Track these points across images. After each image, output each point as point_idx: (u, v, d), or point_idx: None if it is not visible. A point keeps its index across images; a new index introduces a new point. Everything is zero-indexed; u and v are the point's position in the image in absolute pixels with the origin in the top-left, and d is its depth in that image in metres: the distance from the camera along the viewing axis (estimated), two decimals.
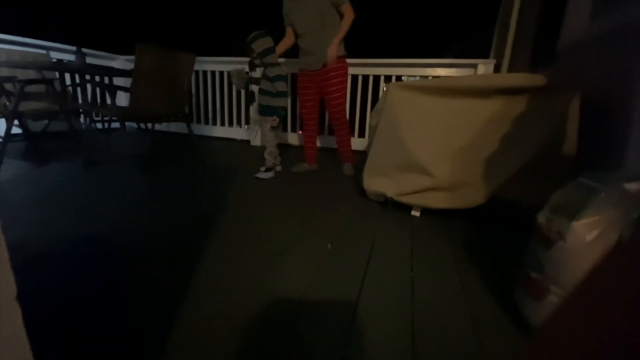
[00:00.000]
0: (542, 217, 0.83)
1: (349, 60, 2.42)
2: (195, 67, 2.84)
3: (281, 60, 2.37)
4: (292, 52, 2.51)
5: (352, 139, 2.63)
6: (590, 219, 0.71)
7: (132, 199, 1.78)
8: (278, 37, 2.38)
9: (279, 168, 2.50)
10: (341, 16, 2.23)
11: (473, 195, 1.50)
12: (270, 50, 2.21)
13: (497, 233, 1.48)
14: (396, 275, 1.09)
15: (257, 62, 2.25)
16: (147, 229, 1.39)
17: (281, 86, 2.24)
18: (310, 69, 2.36)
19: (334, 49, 2.20)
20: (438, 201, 1.56)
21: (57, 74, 3.06)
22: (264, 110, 2.31)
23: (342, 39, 2.26)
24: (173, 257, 1.15)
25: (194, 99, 4.16)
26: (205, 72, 4.10)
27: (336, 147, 2.62)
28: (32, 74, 2.76)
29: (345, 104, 2.47)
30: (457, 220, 1.57)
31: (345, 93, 2.48)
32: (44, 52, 3.31)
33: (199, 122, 4.29)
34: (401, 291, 0.99)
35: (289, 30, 2.40)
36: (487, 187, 1.49)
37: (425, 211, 1.64)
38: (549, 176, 1.31)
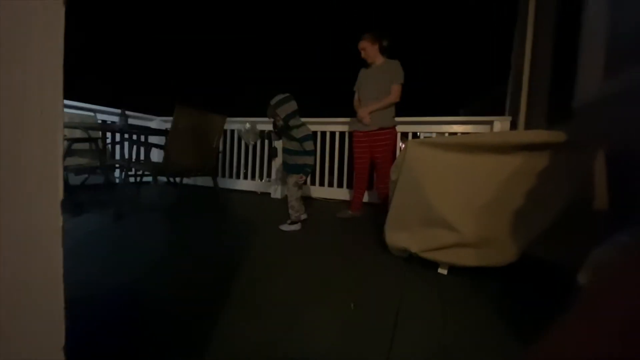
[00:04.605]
0: (582, 278, 0.78)
1: None
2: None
3: (304, 119, 2.48)
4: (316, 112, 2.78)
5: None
6: None
7: (156, 250, 1.81)
8: (300, 98, 2.47)
9: (304, 216, 2.52)
10: None
11: (502, 253, 1.44)
12: (294, 114, 2.30)
13: (532, 293, 1.38)
14: (426, 340, 1.01)
15: (280, 125, 2.34)
16: (166, 281, 1.39)
17: (309, 145, 2.33)
18: (362, 130, 2.83)
19: (364, 111, 2.72)
20: (466, 258, 1.50)
21: (100, 132, 3.38)
22: (291, 169, 2.39)
23: (383, 108, 2.70)
24: (193, 311, 1.13)
25: (219, 154, 4.42)
26: (232, 131, 4.40)
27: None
28: (77, 133, 3.06)
29: (390, 163, 2.78)
30: (488, 279, 1.49)
31: (391, 156, 2.82)
32: (92, 114, 3.70)
33: (223, 175, 4.49)
34: (433, 358, 0.92)
35: (357, 96, 2.91)
36: (516, 244, 1.43)
37: (453, 269, 1.57)
38: (582, 233, 1.26)
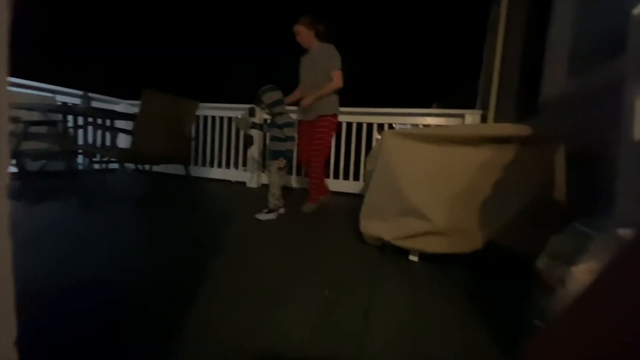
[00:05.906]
0: (541, 264, 0.83)
1: (344, 109, 2.73)
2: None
3: (289, 108, 2.60)
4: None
5: (345, 182, 3.22)
6: (588, 264, 0.72)
7: (125, 242, 1.74)
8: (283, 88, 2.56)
9: (282, 210, 2.52)
10: None
11: (470, 241, 1.51)
12: (279, 102, 2.43)
13: (496, 279, 1.46)
14: (398, 327, 1.05)
15: (265, 111, 2.50)
16: (138, 274, 1.34)
17: (289, 132, 2.44)
18: (305, 119, 2.79)
19: (306, 101, 2.61)
20: (435, 246, 1.56)
21: (60, 115, 3.15)
22: (273, 155, 2.48)
23: (323, 97, 2.58)
24: (162, 305, 1.10)
25: (192, 142, 4.25)
26: (205, 117, 4.25)
27: (308, 188, 2.81)
28: (35, 116, 2.83)
29: (322, 154, 2.71)
30: (455, 266, 1.56)
31: (326, 145, 2.73)
32: (51, 95, 3.44)
33: (195, 163, 4.34)
34: (404, 344, 0.95)
35: (300, 87, 2.81)
36: (483, 232, 1.50)
37: (423, 256, 1.63)
38: (543, 223, 1.33)
